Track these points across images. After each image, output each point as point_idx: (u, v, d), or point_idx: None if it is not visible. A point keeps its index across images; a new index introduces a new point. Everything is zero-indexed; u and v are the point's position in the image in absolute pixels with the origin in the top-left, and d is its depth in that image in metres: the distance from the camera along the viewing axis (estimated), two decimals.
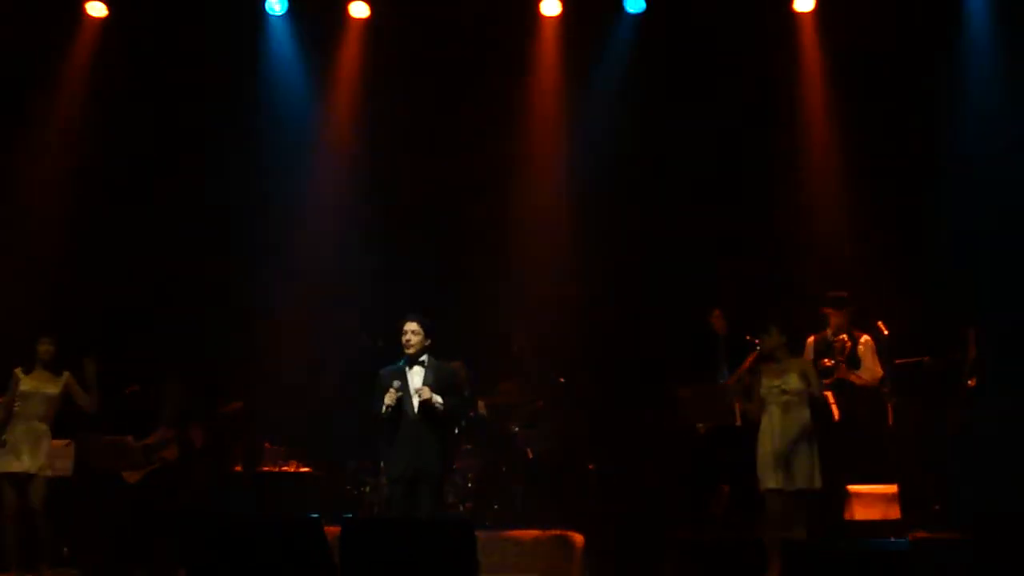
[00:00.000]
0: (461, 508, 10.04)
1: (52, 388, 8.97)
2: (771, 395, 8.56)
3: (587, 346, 11.23)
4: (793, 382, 8.50)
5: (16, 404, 8.89)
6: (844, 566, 7.51)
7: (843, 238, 10.99)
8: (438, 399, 8.21)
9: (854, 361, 9.58)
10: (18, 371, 8.96)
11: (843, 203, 11.13)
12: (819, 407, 8.67)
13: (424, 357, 8.32)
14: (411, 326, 8.32)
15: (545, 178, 11.68)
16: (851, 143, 11.13)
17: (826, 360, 9.43)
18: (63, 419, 9.18)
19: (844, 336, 9.54)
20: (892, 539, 8.81)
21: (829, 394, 9.13)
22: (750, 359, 9.61)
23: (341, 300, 11.39)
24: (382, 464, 9.65)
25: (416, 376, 8.30)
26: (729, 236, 11.13)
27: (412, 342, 8.29)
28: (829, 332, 9.71)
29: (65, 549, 9.98)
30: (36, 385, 8.93)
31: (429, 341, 8.34)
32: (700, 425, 9.98)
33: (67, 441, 9.67)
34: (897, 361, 9.86)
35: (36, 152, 11.35)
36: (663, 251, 11.29)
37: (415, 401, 8.24)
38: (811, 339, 9.69)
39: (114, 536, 10.04)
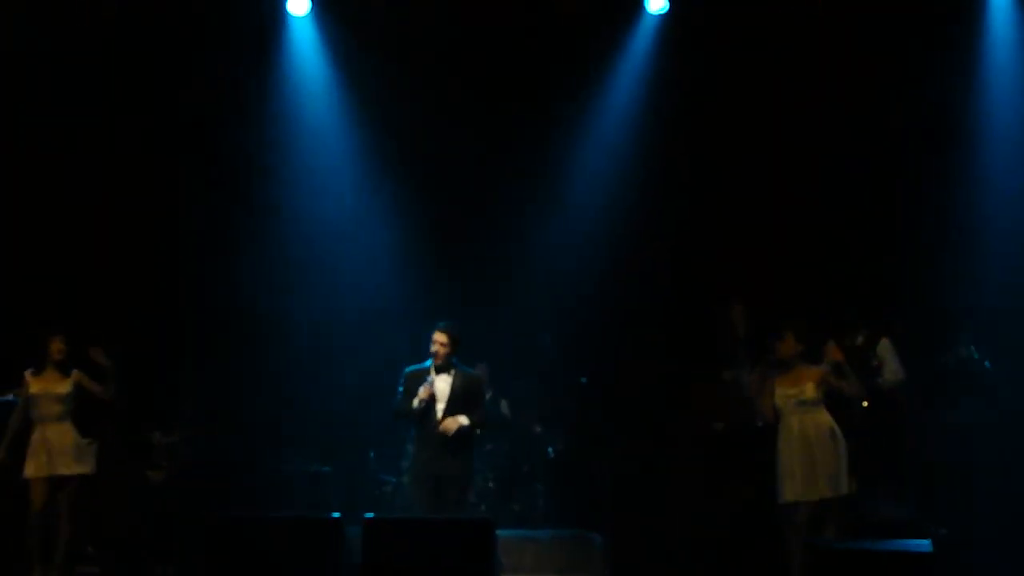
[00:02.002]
0: (482, 508, 10.07)
1: (61, 387, 8.91)
2: (787, 405, 8.34)
3: (609, 345, 11.20)
4: (810, 391, 8.29)
5: (31, 408, 8.87)
6: (866, 567, 7.49)
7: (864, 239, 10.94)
8: (464, 421, 8.31)
9: (875, 365, 9.56)
10: (27, 374, 8.92)
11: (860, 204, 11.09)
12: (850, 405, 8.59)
13: (451, 365, 8.43)
14: (440, 337, 8.41)
15: (570, 176, 11.66)
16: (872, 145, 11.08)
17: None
18: (86, 418, 9.15)
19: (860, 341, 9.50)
20: (914, 539, 8.80)
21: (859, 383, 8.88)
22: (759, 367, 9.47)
23: (372, 298, 11.39)
24: (405, 464, 9.68)
25: (442, 382, 8.39)
26: (753, 232, 11.12)
27: (440, 353, 8.38)
28: (847, 338, 9.70)
29: (89, 547, 10.04)
30: (44, 386, 8.89)
31: (455, 351, 8.44)
32: (719, 424, 9.92)
33: (90, 440, 9.72)
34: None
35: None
36: (687, 247, 11.28)
37: (440, 408, 8.35)
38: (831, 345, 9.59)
39: (137, 535, 10.12)
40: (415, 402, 8.29)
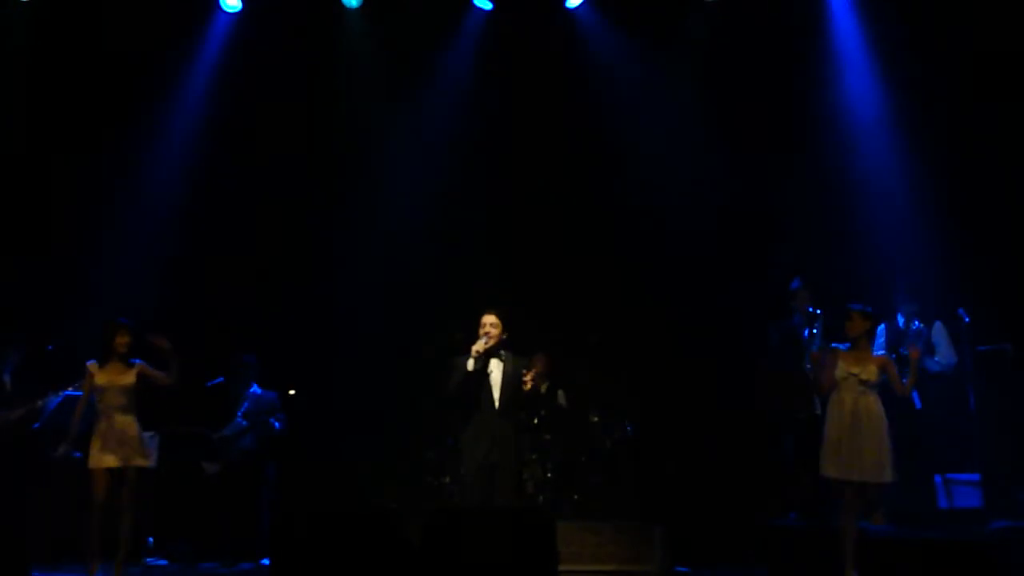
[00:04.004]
0: (540, 499, 10.10)
1: (126, 379, 8.91)
2: (847, 382, 8.32)
3: (667, 335, 11.20)
4: (872, 373, 8.28)
5: (97, 399, 8.91)
6: (925, 557, 7.48)
7: (920, 223, 10.83)
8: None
9: (929, 348, 9.51)
10: (91, 366, 8.94)
11: (920, 186, 10.99)
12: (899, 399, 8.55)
13: (502, 350, 8.36)
14: (490, 319, 8.36)
15: (625, 167, 11.66)
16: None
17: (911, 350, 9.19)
18: (146, 412, 9.19)
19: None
20: (975, 529, 8.74)
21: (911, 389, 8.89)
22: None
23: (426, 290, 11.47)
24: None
25: (495, 368, 8.35)
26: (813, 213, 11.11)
27: (492, 334, 8.32)
28: (901, 319, 9.66)
29: (150, 539, 10.18)
30: (110, 378, 8.89)
31: (507, 334, 8.37)
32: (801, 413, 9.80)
33: (151, 433, 9.83)
34: (979, 348, 9.73)
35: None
36: (746, 232, 11.25)
37: (495, 395, 8.31)
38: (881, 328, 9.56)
39: (196, 526, 10.25)
40: (470, 363, 8.20)
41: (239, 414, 10.35)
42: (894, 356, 9.00)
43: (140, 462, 8.83)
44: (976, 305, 9.75)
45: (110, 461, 8.74)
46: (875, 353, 8.61)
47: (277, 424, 10.29)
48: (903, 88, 11.07)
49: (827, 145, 11.24)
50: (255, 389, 10.48)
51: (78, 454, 9.01)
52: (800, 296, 9.95)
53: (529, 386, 8.32)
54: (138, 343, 8.99)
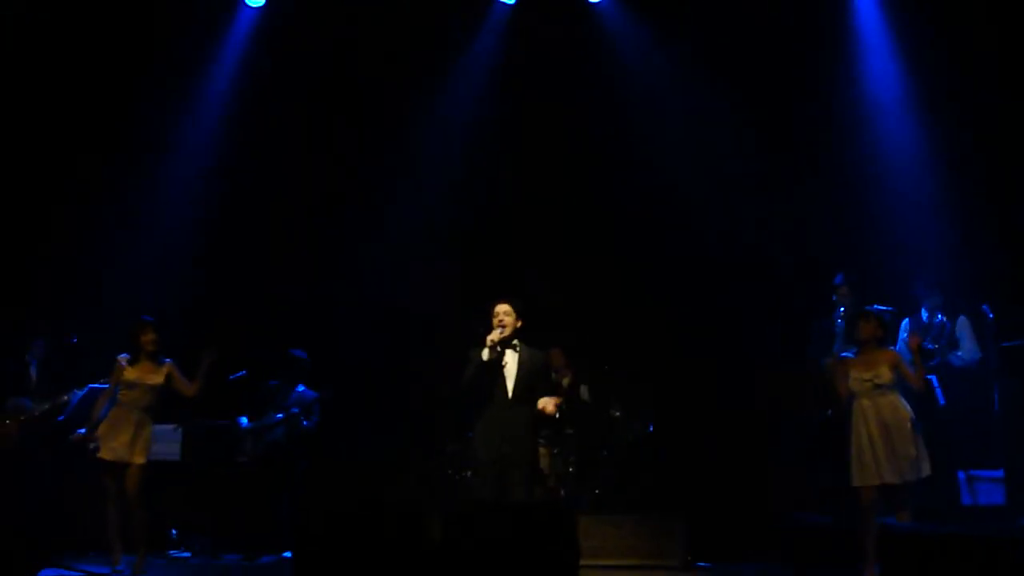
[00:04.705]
0: (562, 492, 10.11)
1: (155, 378, 9.00)
2: (862, 388, 8.33)
3: (692, 328, 11.20)
4: (885, 375, 8.27)
5: (121, 393, 8.98)
6: (948, 553, 7.41)
7: (944, 218, 10.79)
8: (552, 408, 8.20)
9: (952, 342, 9.46)
10: (121, 360, 9.01)
11: (943, 183, 10.94)
12: (920, 394, 8.52)
13: (516, 341, 8.24)
14: (504, 308, 8.21)
15: (652, 159, 11.65)
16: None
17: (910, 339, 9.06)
18: (171, 405, 9.28)
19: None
20: (998, 526, 8.69)
21: (923, 378, 8.86)
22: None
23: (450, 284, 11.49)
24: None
25: (510, 359, 8.22)
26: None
27: (507, 323, 8.19)
28: (925, 314, 9.62)
29: (173, 532, 10.24)
30: (140, 375, 8.97)
31: (521, 323, 8.24)
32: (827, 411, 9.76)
33: (175, 426, 9.87)
34: (1003, 344, 9.68)
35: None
36: (771, 229, 11.24)
37: (509, 386, 8.19)
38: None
39: (219, 520, 10.31)
40: (484, 353, 8.07)
41: (285, 405, 10.37)
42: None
43: (138, 459, 8.85)
44: (1001, 301, 9.70)
45: (108, 455, 8.79)
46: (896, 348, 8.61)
47: (305, 422, 10.32)
48: (929, 78, 11.02)
49: (851, 137, 11.21)
50: (300, 388, 10.49)
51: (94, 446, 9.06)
52: (842, 292, 9.92)
53: (553, 411, 8.21)
54: (166, 341, 9.05)
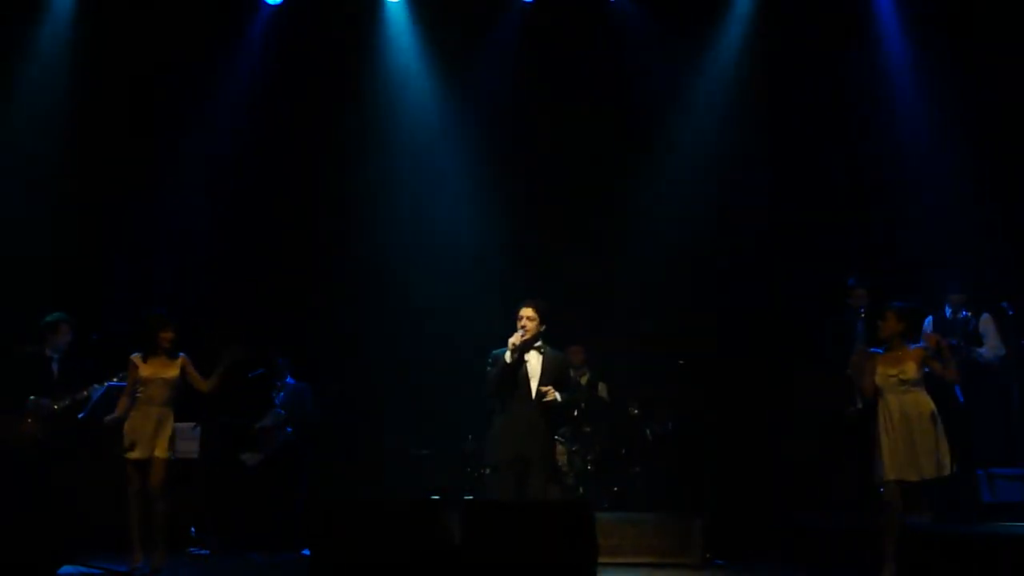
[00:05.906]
0: (580, 490, 10.11)
1: (170, 371, 8.98)
2: (888, 384, 8.25)
3: (710, 328, 11.18)
4: (911, 371, 8.20)
5: (139, 390, 8.96)
6: (968, 551, 7.41)
7: (966, 213, 10.74)
8: (558, 396, 8.25)
9: (975, 339, 9.43)
10: (135, 357, 9.00)
11: (967, 178, 10.89)
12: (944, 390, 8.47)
13: (539, 343, 8.30)
14: (527, 311, 8.28)
15: (674, 154, 11.65)
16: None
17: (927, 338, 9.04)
18: (189, 403, 9.28)
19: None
20: (1019, 523, 8.66)
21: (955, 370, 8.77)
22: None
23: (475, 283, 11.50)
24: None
25: (533, 359, 8.28)
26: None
27: (528, 327, 8.25)
28: (949, 310, 9.58)
29: (192, 529, 10.27)
30: (155, 371, 8.96)
31: (544, 327, 8.31)
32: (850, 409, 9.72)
33: (193, 424, 9.90)
34: (1022, 342, 9.64)
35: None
36: (794, 231, 11.22)
37: (532, 386, 8.24)
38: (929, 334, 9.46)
39: (238, 517, 10.33)
40: (507, 356, 8.14)
41: (277, 404, 10.48)
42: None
43: (161, 454, 8.84)
44: (1022, 298, 9.67)
45: (135, 453, 8.82)
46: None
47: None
48: (951, 70, 10.97)
49: (873, 132, 11.18)
50: (289, 380, 10.64)
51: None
52: (855, 294, 9.89)
53: (554, 396, 8.25)
54: (183, 337, 9.08)
